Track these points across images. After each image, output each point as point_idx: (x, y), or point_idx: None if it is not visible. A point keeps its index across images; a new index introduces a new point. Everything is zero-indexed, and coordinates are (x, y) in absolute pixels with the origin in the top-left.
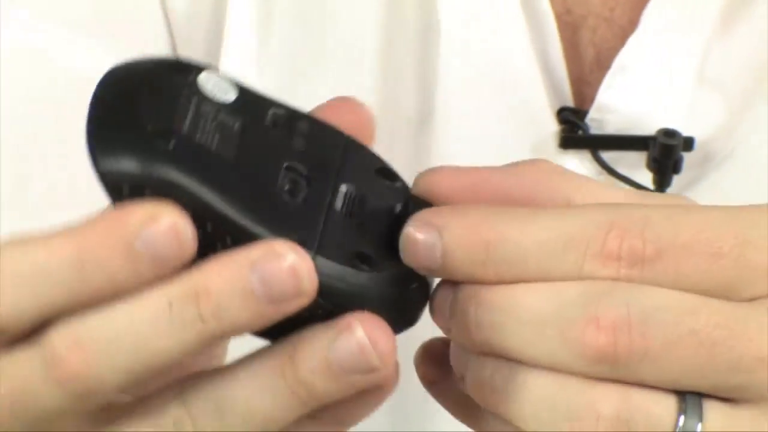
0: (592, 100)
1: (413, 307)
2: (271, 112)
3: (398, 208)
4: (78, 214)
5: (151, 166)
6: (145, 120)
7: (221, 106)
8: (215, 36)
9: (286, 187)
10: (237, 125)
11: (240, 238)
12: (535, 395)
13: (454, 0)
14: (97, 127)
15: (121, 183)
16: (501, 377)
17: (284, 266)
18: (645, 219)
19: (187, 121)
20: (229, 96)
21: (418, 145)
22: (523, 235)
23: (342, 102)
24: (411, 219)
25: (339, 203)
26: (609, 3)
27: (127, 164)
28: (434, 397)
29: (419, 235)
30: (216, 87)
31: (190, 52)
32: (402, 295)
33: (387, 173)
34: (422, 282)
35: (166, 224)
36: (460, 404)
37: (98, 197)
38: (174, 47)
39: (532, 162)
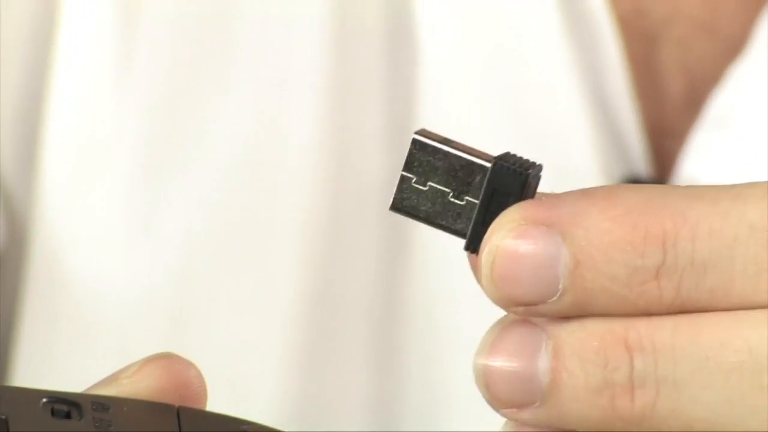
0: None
1: None
2: (42, 401)
3: None
4: None
5: None
6: None
7: None
8: (42, 43)
9: None
10: None
11: None
12: None
13: None
14: None
15: None
16: None
17: None
18: None
19: None
20: None
21: (389, 220)
22: (726, 215)
23: (158, 362)
24: (502, 219)
25: None
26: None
27: None
28: None
29: (526, 245)
30: None
31: (5, 55)
32: None
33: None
34: None
35: None
36: None
37: None
38: None
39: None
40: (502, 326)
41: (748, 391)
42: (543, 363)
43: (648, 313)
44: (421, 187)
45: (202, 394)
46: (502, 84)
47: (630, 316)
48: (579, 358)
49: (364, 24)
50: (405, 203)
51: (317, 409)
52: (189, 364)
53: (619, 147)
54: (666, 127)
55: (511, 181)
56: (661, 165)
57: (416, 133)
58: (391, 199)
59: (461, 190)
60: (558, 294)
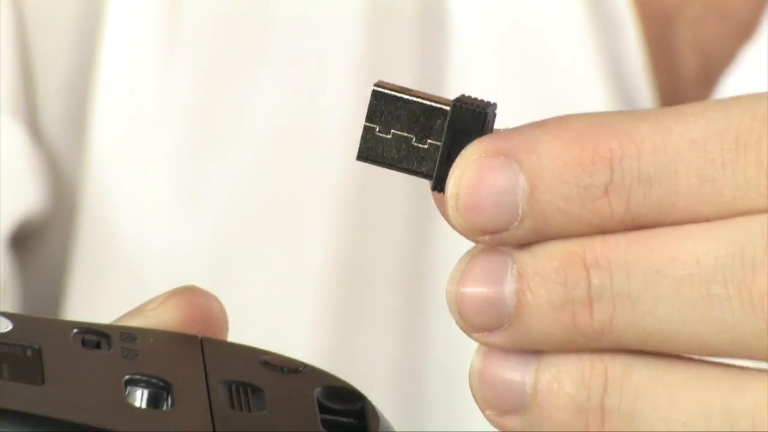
0: None
1: None
2: (73, 332)
3: (316, 391)
4: None
5: None
6: None
7: None
8: (91, 17)
9: (140, 402)
10: (29, 352)
11: None
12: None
13: None
14: None
15: None
16: (631, 390)
17: None
18: None
19: None
20: (2, 327)
21: (417, 192)
22: (668, 133)
23: (181, 295)
24: (464, 154)
25: (224, 402)
26: None
27: None
28: None
29: (487, 175)
30: None
31: (50, 40)
32: None
33: (278, 363)
34: None
35: None
36: None
37: None
38: (24, 34)
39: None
40: (471, 255)
41: (698, 301)
42: (509, 287)
43: (602, 231)
44: (385, 136)
45: (224, 325)
46: (526, 64)
47: (586, 235)
48: (541, 279)
49: (398, 5)
50: (371, 152)
51: (345, 368)
52: (211, 297)
53: None
54: (680, 103)
55: (470, 120)
56: None
57: (375, 84)
58: (357, 150)
59: (424, 134)
60: (519, 219)
